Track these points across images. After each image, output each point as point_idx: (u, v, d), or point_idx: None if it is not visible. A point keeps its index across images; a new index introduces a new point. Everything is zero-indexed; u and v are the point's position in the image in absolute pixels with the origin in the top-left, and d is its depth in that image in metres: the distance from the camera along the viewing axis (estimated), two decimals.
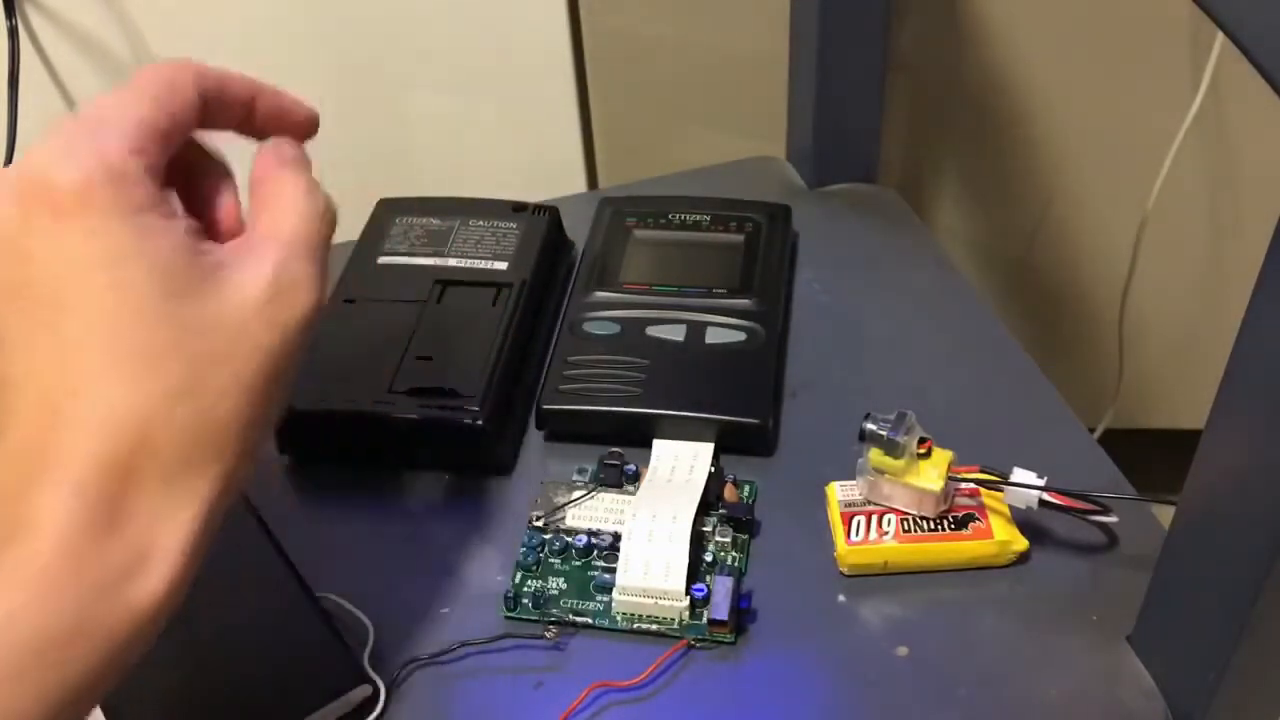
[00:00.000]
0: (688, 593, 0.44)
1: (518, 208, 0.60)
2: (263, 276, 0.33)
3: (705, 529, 0.47)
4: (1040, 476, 0.45)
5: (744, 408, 0.51)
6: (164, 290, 0.31)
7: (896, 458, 0.45)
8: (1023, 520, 0.46)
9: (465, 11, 0.73)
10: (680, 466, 0.49)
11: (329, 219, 0.37)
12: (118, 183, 0.32)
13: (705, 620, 0.44)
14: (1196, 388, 0.43)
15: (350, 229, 0.61)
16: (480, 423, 0.49)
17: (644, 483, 0.48)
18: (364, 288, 0.55)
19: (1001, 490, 0.46)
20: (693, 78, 0.77)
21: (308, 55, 0.74)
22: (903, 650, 0.44)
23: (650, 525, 0.45)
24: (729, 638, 0.44)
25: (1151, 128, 0.75)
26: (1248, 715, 0.42)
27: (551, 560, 0.46)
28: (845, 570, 0.46)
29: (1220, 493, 0.37)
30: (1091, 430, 0.84)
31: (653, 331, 0.54)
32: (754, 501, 0.49)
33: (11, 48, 0.70)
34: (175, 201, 0.34)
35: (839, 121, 0.64)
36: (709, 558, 0.46)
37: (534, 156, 0.80)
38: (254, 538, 0.47)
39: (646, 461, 0.49)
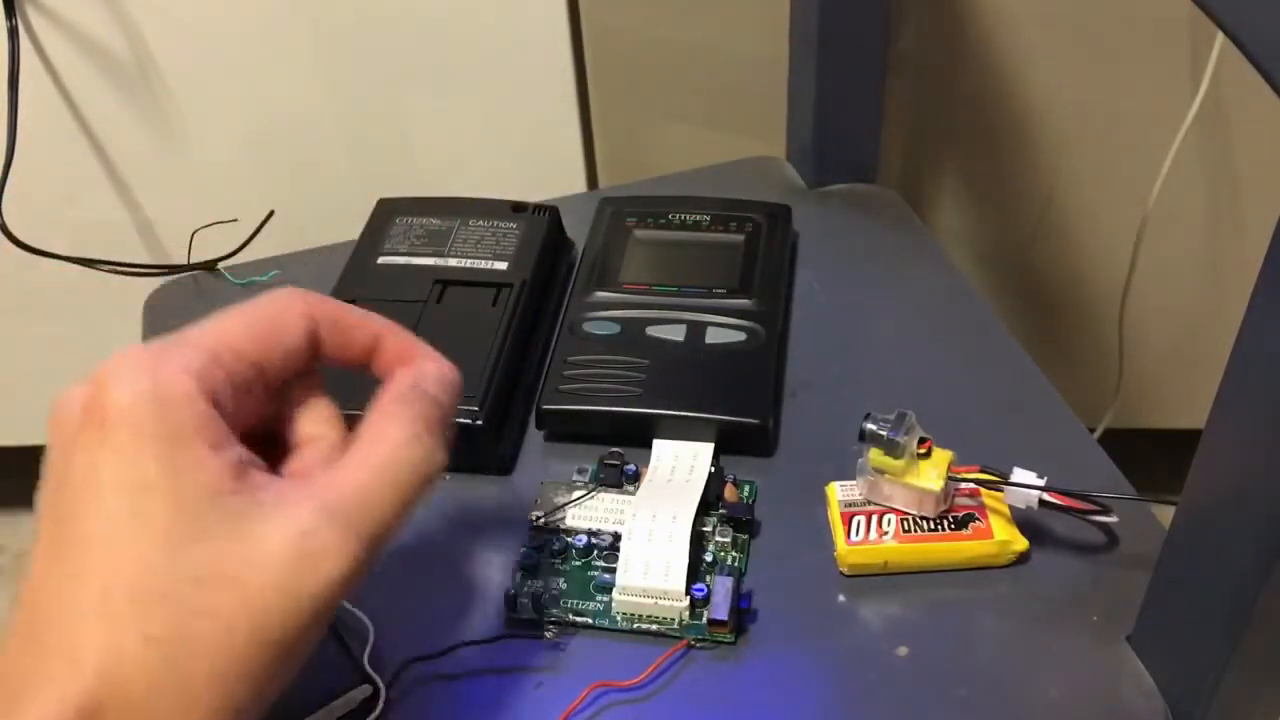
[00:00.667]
0: (688, 593, 0.44)
1: (518, 208, 0.60)
2: (289, 537, 0.32)
3: (705, 529, 0.47)
4: (1040, 476, 0.45)
5: (744, 408, 0.51)
6: (179, 531, 0.31)
7: (897, 458, 0.44)
8: (1022, 520, 0.46)
9: (465, 11, 0.73)
10: (680, 466, 0.49)
11: (418, 476, 0.35)
12: (163, 406, 0.31)
13: (705, 620, 0.44)
14: (1196, 387, 0.43)
15: (350, 229, 0.61)
16: (480, 423, 0.49)
17: (644, 483, 0.48)
18: (364, 288, 0.55)
19: (1001, 490, 0.45)
20: (693, 78, 0.77)
21: (308, 55, 0.75)
22: (903, 650, 0.44)
23: (650, 525, 0.45)
24: (729, 638, 0.44)
25: (1152, 128, 0.75)
26: (1248, 715, 0.42)
27: (551, 560, 0.46)
28: (845, 570, 0.46)
29: (1220, 493, 0.37)
30: (1091, 430, 0.84)
31: (653, 331, 0.54)
32: (754, 501, 0.49)
33: (11, 48, 0.70)
34: (225, 432, 0.33)
35: (839, 121, 0.64)
36: (709, 558, 0.46)
37: (534, 156, 0.80)
38: None
39: (646, 461, 0.49)
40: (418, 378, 0.37)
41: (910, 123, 0.78)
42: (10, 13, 0.69)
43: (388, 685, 0.43)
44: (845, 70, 0.62)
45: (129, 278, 0.64)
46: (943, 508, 0.46)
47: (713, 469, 0.49)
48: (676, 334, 0.54)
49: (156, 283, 0.64)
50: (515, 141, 0.79)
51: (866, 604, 0.45)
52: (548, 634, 0.44)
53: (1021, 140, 0.78)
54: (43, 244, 0.64)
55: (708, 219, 0.60)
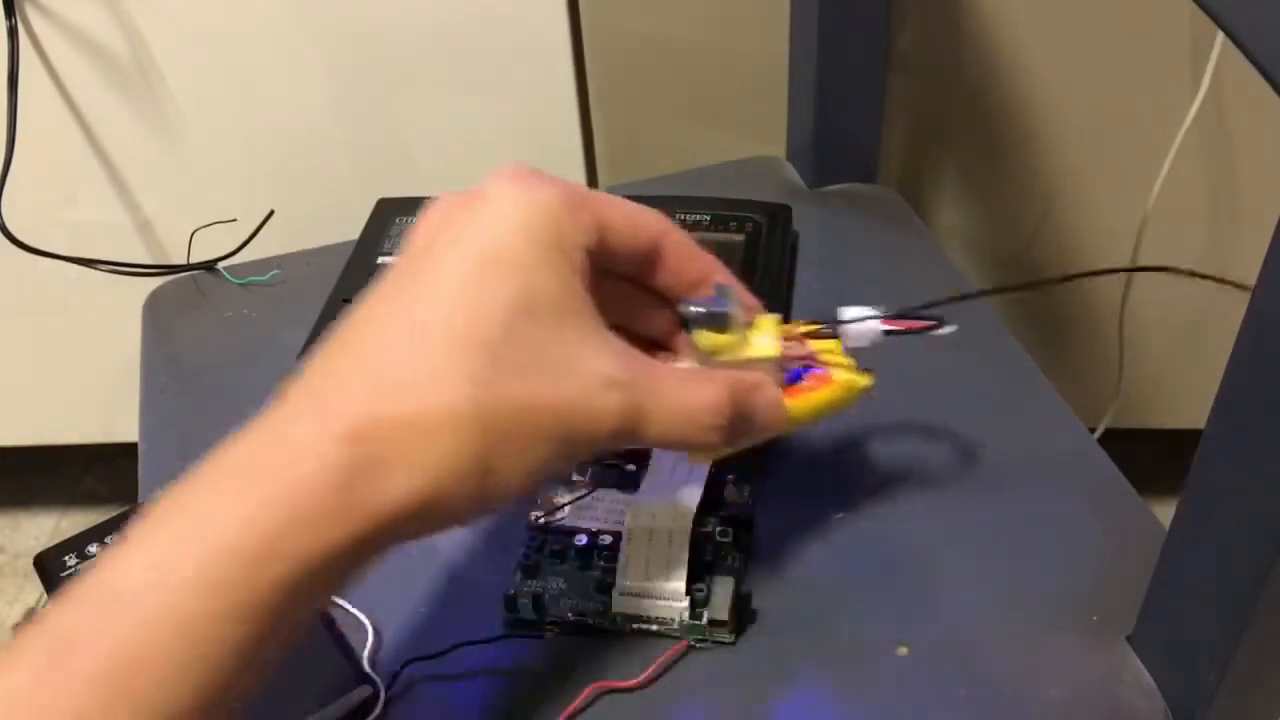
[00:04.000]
0: (688, 593, 0.44)
1: None
2: (593, 372, 0.34)
3: (705, 529, 0.47)
4: (876, 308, 0.42)
5: None
6: (517, 311, 0.33)
7: (723, 330, 0.40)
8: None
9: (465, 11, 0.73)
10: (680, 466, 0.49)
11: (691, 438, 0.37)
12: (539, 210, 0.35)
13: (705, 620, 0.44)
14: (1197, 387, 0.43)
15: (350, 229, 0.61)
16: None
17: (644, 483, 0.48)
18: (364, 288, 0.55)
19: (838, 337, 0.42)
20: (693, 78, 0.77)
21: (308, 55, 0.74)
22: (903, 650, 0.44)
23: (650, 525, 0.45)
24: (729, 638, 0.44)
25: (1152, 127, 0.75)
26: (1248, 715, 0.42)
27: (551, 560, 0.46)
28: (697, 461, 0.45)
29: (1220, 493, 0.37)
30: (1092, 430, 0.84)
31: None
32: (754, 501, 0.49)
33: (11, 48, 0.70)
34: (582, 265, 0.36)
35: (839, 121, 0.64)
36: (709, 558, 0.46)
37: (534, 156, 0.79)
38: None
39: (646, 462, 0.49)
40: (743, 381, 0.38)
41: (910, 123, 0.78)
42: (10, 12, 0.69)
43: (387, 686, 0.43)
44: (845, 70, 0.62)
45: (129, 277, 0.64)
46: (782, 371, 0.41)
47: (713, 469, 0.48)
48: None
49: (156, 283, 0.64)
50: (515, 141, 0.79)
51: (866, 604, 0.45)
52: (547, 634, 0.44)
53: (1022, 140, 0.78)
54: (42, 244, 0.64)
55: (708, 219, 0.60)
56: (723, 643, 0.44)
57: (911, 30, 0.73)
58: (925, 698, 0.42)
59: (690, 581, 0.44)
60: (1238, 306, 0.34)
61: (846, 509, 0.49)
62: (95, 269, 0.64)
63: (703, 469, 0.48)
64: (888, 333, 0.42)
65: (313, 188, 0.79)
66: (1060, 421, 0.52)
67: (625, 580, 0.44)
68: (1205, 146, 0.76)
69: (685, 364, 0.41)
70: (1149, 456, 0.63)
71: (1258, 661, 0.39)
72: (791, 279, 0.60)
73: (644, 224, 0.39)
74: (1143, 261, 0.78)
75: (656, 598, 0.44)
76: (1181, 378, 0.87)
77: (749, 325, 0.41)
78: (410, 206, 0.60)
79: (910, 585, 0.46)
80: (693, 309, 0.40)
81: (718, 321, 0.40)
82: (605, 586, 0.45)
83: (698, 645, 0.44)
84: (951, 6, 0.73)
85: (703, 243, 0.58)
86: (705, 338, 0.40)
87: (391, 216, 0.60)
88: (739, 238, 0.59)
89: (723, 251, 0.58)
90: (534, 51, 0.75)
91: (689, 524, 0.45)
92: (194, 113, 0.77)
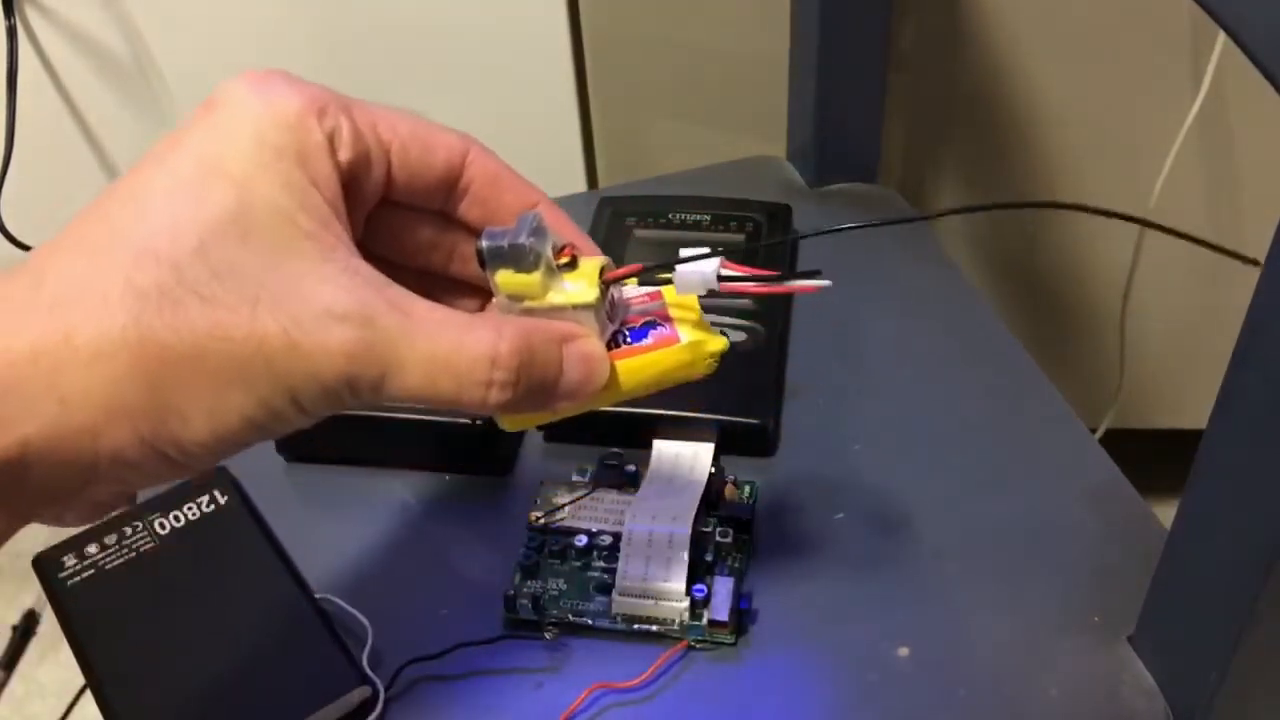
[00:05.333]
0: (688, 593, 0.44)
1: None
2: (314, 303, 0.29)
3: (705, 529, 0.47)
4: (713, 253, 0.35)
5: (744, 408, 0.51)
6: (229, 229, 0.29)
7: (529, 270, 0.33)
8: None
9: (465, 11, 0.73)
10: (680, 467, 0.49)
11: (459, 387, 0.31)
12: (275, 115, 0.30)
13: (705, 621, 0.44)
14: (1198, 388, 0.43)
15: None
16: (480, 423, 0.49)
17: (644, 483, 0.48)
18: None
19: (669, 283, 0.35)
20: (693, 78, 0.77)
21: (308, 55, 0.74)
22: (903, 650, 0.44)
23: (650, 526, 0.45)
24: (729, 638, 0.44)
25: (1153, 127, 0.75)
26: (1249, 716, 0.42)
27: (551, 561, 0.46)
28: (508, 427, 0.36)
29: (1221, 493, 0.37)
30: (1093, 430, 0.84)
31: None
32: (754, 502, 0.49)
33: (10, 48, 0.70)
34: (330, 175, 0.31)
35: (839, 121, 0.64)
36: (709, 558, 0.46)
37: (534, 156, 0.79)
38: (253, 538, 0.47)
39: (646, 462, 0.49)
40: (542, 330, 0.33)
41: (910, 123, 0.78)
42: (9, 12, 0.69)
43: (387, 686, 0.43)
44: (846, 69, 0.62)
45: None
46: (613, 327, 0.35)
47: (713, 469, 0.48)
48: None
49: None
50: (515, 141, 0.79)
51: (866, 604, 0.45)
52: (547, 635, 0.44)
53: (1022, 140, 0.78)
54: (42, 243, 0.64)
55: (708, 219, 0.60)
56: (723, 643, 0.44)
57: (911, 30, 0.73)
58: (925, 698, 0.42)
59: (690, 582, 0.44)
60: (1239, 306, 0.34)
61: (846, 509, 0.48)
62: None
63: (703, 469, 0.48)
64: (724, 278, 0.34)
65: None
66: (1061, 421, 0.52)
67: (625, 580, 0.44)
68: (1207, 146, 0.76)
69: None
70: (1150, 456, 0.63)
71: (1258, 662, 0.39)
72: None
73: (438, 143, 0.34)
74: (1143, 261, 0.78)
75: (656, 598, 0.44)
76: (1182, 378, 0.87)
77: (569, 268, 0.34)
78: None
79: (910, 585, 0.46)
80: (486, 242, 0.33)
81: (519, 258, 0.33)
82: (605, 586, 0.45)
83: (698, 645, 0.44)
84: (951, 6, 0.73)
85: (703, 242, 0.59)
86: (505, 277, 0.33)
87: None
88: (739, 237, 0.59)
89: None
90: (534, 51, 0.75)
91: (689, 524, 0.45)
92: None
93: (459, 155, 0.34)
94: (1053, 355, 0.83)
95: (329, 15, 0.73)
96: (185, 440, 0.29)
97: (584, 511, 0.48)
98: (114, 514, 0.48)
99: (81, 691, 0.92)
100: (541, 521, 0.47)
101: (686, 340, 0.36)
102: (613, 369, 0.35)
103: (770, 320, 0.54)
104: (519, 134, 0.79)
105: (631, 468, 0.49)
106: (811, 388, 0.54)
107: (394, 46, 0.74)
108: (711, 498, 0.47)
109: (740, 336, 0.54)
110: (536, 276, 0.33)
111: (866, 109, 0.64)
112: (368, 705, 0.42)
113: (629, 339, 0.35)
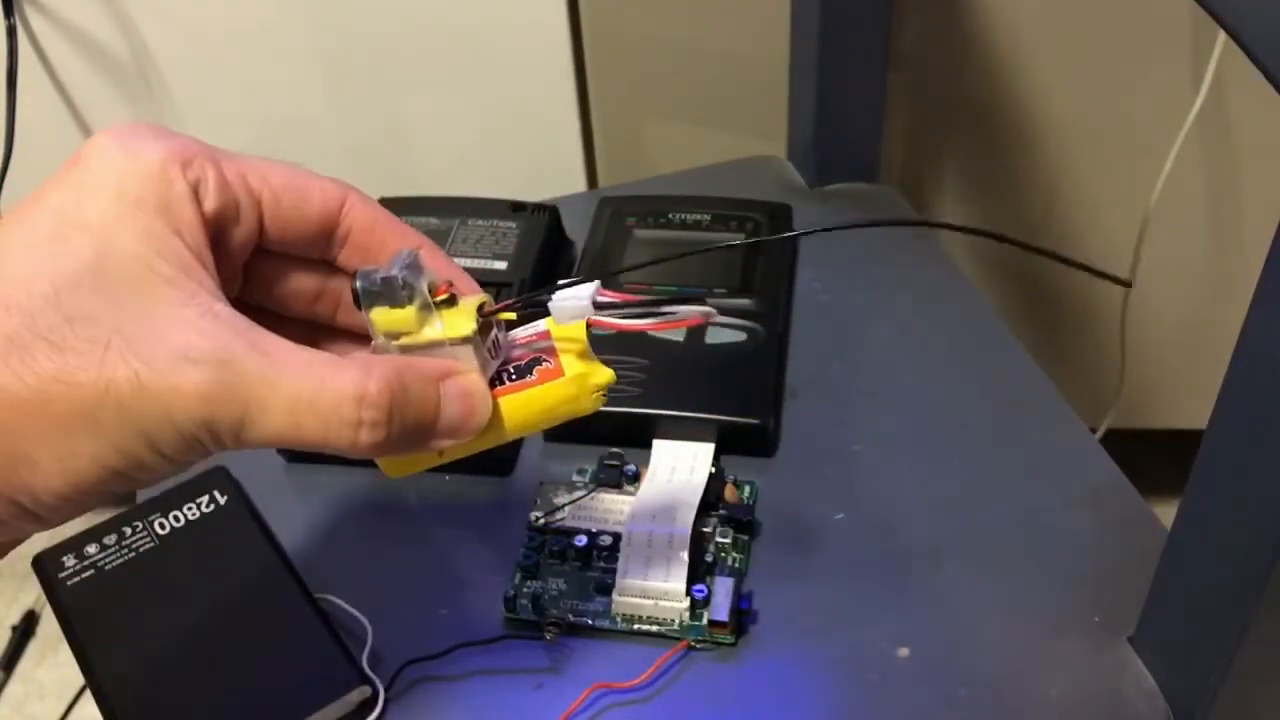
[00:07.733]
0: (688, 594, 0.44)
1: (517, 207, 0.60)
2: (171, 345, 0.29)
3: (705, 530, 0.47)
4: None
5: (744, 408, 0.51)
6: (87, 278, 0.29)
7: (403, 305, 0.33)
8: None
9: (465, 11, 0.73)
10: (680, 467, 0.49)
11: (325, 429, 0.30)
12: (137, 167, 0.30)
13: (705, 621, 0.44)
14: (1199, 388, 0.43)
15: None
16: None
17: (644, 483, 0.48)
18: None
19: (547, 314, 0.35)
20: (693, 78, 0.77)
21: (307, 55, 0.74)
22: (903, 650, 0.44)
23: (650, 526, 0.45)
24: (729, 639, 0.44)
25: (1153, 127, 0.75)
26: (1249, 716, 0.42)
27: (551, 561, 0.46)
28: (391, 473, 0.36)
29: (1221, 493, 0.37)
30: (1093, 430, 0.84)
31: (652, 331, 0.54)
32: (754, 502, 0.49)
33: (10, 48, 0.70)
34: (195, 224, 0.31)
35: (839, 121, 0.64)
36: (709, 558, 0.46)
37: (534, 156, 0.80)
38: (253, 538, 0.47)
39: (646, 462, 0.49)
40: (415, 367, 0.32)
41: (910, 122, 0.78)
42: (9, 12, 0.69)
43: (387, 686, 0.42)
44: (846, 69, 0.62)
45: None
46: (496, 364, 0.35)
47: (713, 469, 0.48)
48: (676, 334, 0.54)
49: None
50: (515, 141, 0.79)
51: (866, 604, 0.45)
52: (547, 635, 0.44)
53: (1023, 140, 0.78)
54: None
55: (708, 218, 0.60)
56: (723, 643, 0.44)
57: (911, 30, 0.73)
58: (925, 698, 0.42)
59: (690, 582, 0.44)
60: (1240, 306, 0.34)
61: (846, 509, 0.48)
62: None
63: (703, 469, 0.48)
64: (600, 306, 0.34)
65: None
66: (1061, 421, 0.52)
67: (625, 580, 0.44)
68: (1207, 146, 0.76)
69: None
70: (1150, 457, 0.63)
71: (1259, 662, 0.39)
72: (792, 279, 0.59)
73: (312, 191, 0.34)
74: (1145, 261, 0.78)
75: (656, 598, 0.44)
76: (1183, 378, 0.87)
77: (448, 304, 0.33)
78: (410, 206, 0.60)
79: (910, 586, 0.46)
80: (359, 282, 0.33)
81: (392, 293, 0.33)
82: (605, 587, 0.45)
83: (698, 646, 0.44)
84: (951, 6, 0.73)
85: (703, 242, 0.59)
86: (379, 314, 0.33)
87: None
88: (739, 237, 0.59)
89: (723, 251, 0.58)
90: (534, 51, 0.75)
91: (689, 524, 0.45)
92: (193, 112, 0.76)
93: (336, 203, 0.34)
94: (1053, 355, 0.83)
95: (328, 16, 0.73)
96: (37, 488, 0.29)
97: (584, 512, 0.48)
98: (113, 514, 0.48)
99: (81, 691, 0.92)
100: (541, 522, 0.47)
101: (571, 374, 0.35)
102: (496, 406, 0.34)
103: (771, 320, 0.54)
104: (519, 134, 0.79)
105: (631, 468, 0.49)
106: (811, 388, 0.54)
107: (394, 46, 0.74)
108: (711, 498, 0.47)
109: (740, 336, 0.54)
110: (411, 311, 0.33)
111: (866, 109, 0.64)
112: (368, 705, 0.42)
113: (513, 376, 0.35)
